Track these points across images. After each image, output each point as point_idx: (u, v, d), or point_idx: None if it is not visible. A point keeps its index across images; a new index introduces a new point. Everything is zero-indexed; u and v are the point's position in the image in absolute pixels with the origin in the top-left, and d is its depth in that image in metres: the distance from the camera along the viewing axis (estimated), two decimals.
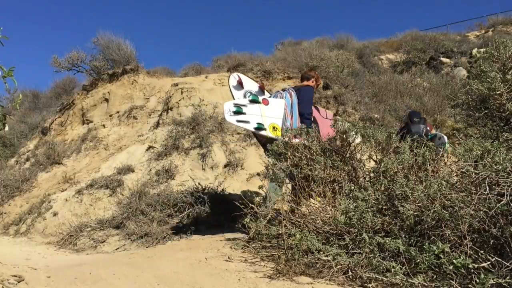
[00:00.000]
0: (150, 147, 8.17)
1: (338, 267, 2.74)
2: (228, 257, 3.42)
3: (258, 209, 3.70)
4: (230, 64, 11.74)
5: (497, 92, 4.81)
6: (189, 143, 7.93)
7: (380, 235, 2.86)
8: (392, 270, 2.46)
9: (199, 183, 6.28)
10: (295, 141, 3.96)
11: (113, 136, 9.83)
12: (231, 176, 7.10)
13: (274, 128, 4.30)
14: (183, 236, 5.06)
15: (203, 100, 9.05)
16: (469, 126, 6.83)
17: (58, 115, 12.09)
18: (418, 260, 2.49)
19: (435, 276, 2.42)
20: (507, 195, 2.43)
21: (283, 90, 4.86)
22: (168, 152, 7.81)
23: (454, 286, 2.26)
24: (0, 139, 11.60)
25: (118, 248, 5.21)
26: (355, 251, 2.84)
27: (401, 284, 2.39)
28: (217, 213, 5.51)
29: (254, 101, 4.46)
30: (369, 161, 3.87)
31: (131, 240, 5.25)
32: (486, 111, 5.33)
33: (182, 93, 9.25)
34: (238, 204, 3.83)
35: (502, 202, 2.43)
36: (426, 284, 2.33)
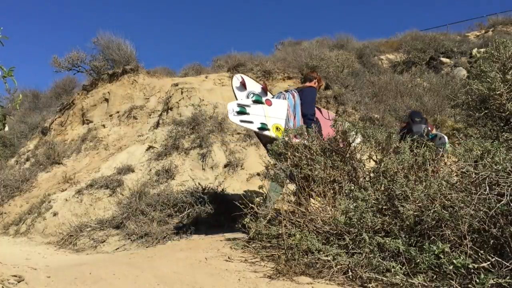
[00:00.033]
0: (150, 147, 8.17)
1: (338, 267, 2.74)
2: (228, 257, 3.42)
3: (258, 209, 3.71)
4: (230, 64, 11.74)
5: (497, 92, 4.81)
6: (189, 143, 7.93)
7: (380, 235, 2.86)
8: (392, 270, 2.46)
9: (199, 183, 6.28)
10: (295, 141, 3.97)
11: (113, 136, 9.83)
12: (231, 176, 7.10)
13: (277, 128, 4.34)
14: (183, 236, 5.06)
15: (203, 100, 9.05)
16: (469, 126, 6.83)
17: (58, 115, 12.09)
18: (418, 260, 2.49)
19: (435, 276, 2.42)
20: (507, 195, 2.43)
21: (286, 91, 4.91)
22: (168, 152, 7.81)
23: (454, 286, 2.26)
24: (0, 139, 11.60)
25: (118, 248, 5.22)
26: (355, 251, 2.85)
27: (401, 284, 2.39)
28: (217, 213, 5.51)
29: (257, 101, 4.50)
30: (369, 161, 3.87)
31: (131, 240, 5.25)
32: (486, 111, 5.33)
33: (182, 93, 9.25)
34: (238, 204, 3.84)
35: (502, 202, 2.43)
36: (426, 284, 2.33)
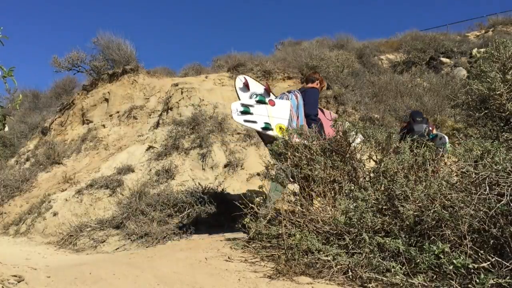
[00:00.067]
0: (150, 147, 8.17)
1: (338, 267, 2.74)
2: (228, 257, 3.42)
3: (258, 209, 3.71)
4: (230, 64, 11.73)
5: (497, 92, 4.81)
6: (189, 143, 7.93)
7: (380, 235, 2.86)
8: (392, 270, 2.46)
9: (199, 183, 6.28)
10: (297, 140, 3.98)
11: (113, 136, 9.83)
12: (231, 176, 7.10)
13: (280, 128, 4.37)
14: (183, 236, 5.06)
15: (203, 100, 9.05)
16: (469, 126, 6.83)
17: (58, 115, 12.09)
18: (418, 260, 2.49)
19: (435, 276, 2.42)
20: (507, 195, 2.43)
21: (289, 92, 4.94)
22: (168, 152, 7.81)
23: (454, 286, 2.26)
24: (0, 139, 11.60)
25: (118, 248, 5.22)
26: (355, 251, 2.85)
27: (401, 284, 2.39)
28: (217, 213, 5.51)
29: (260, 101, 4.54)
30: (369, 161, 3.87)
31: (131, 240, 5.25)
32: (486, 111, 5.33)
33: (182, 93, 9.25)
34: (238, 204, 3.84)
35: (502, 202, 2.43)
36: (426, 284, 2.33)
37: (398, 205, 2.92)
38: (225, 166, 7.37)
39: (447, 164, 3.53)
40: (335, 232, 3.11)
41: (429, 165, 3.29)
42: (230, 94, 9.70)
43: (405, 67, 14.21)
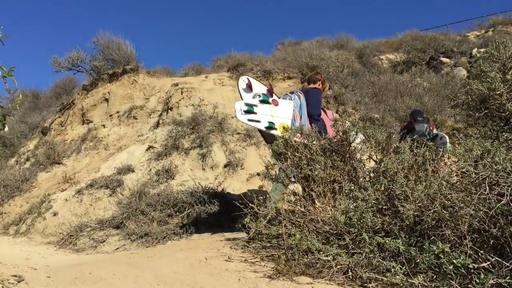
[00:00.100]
0: (150, 147, 8.17)
1: (338, 267, 2.74)
2: (228, 257, 3.42)
3: (258, 209, 3.71)
4: (230, 64, 11.73)
5: (497, 92, 4.81)
6: (189, 143, 7.93)
7: (380, 235, 2.86)
8: (392, 270, 2.46)
9: (199, 183, 6.28)
10: (300, 140, 4.00)
11: (113, 136, 9.83)
12: (231, 176, 7.10)
13: (284, 128, 4.41)
14: (183, 236, 5.06)
15: (203, 100, 9.05)
16: (469, 126, 6.83)
17: (58, 115, 12.09)
18: (418, 260, 2.49)
19: (435, 276, 2.42)
20: (507, 195, 2.43)
21: (291, 93, 5.00)
22: (168, 152, 7.81)
23: (454, 286, 2.26)
24: (0, 139, 11.60)
25: (118, 248, 5.22)
26: (355, 251, 2.84)
27: (401, 284, 2.39)
28: (217, 213, 5.51)
29: (264, 101, 4.59)
30: (369, 161, 3.87)
31: (131, 240, 5.25)
32: (486, 111, 5.33)
33: (182, 93, 9.25)
34: (238, 204, 3.84)
35: (502, 202, 2.43)
36: (426, 284, 2.33)
37: (398, 205, 2.92)
38: (225, 166, 7.37)
39: (447, 164, 3.53)
40: (335, 232, 3.11)
41: (429, 165, 3.29)
42: (230, 94, 9.70)
43: (405, 67, 14.20)
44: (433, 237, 2.65)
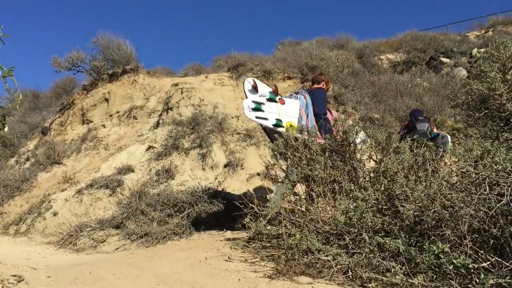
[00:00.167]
0: (150, 147, 8.17)
1: (338, 267, 2.74)
2: (228, 257, 3.42)
3: (258, 209, 3.71)
4: (230, 64, 11.72)
5: (497, 92, 4.80)
6: (189, 143, 7.93)
7: (380, 235, 2.86)
8: (392, 270, 2.46)
9: (199, 183, 6.28)
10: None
11: (113, 136, 9.83)
12: (231, 176, 7.10)
13: (291, 126, 4.45)
14: (183, 236, 5.06)
15: (203, 100, 9.05)
16: (469, 126, 6.83)
17: (58, 115, 12.09)
18: (418, 260, 2.49)
19: (435, 276, 2.42)
20: (507, 195, 2.43)
21: (296, 93, 5.09)
22: (168, 152, 7.81)
23: (454, 286, 2.26)
24: (0, 139, 11.60)
25: (118, 248, 5.22)
26: (355, 251, 2.84)
27: (401, 284, 2.39)
28: (217, 213, 5.51)
29: (271, 99, 4.66)
30: (369, 161, 3.87)
31: (131, 240, 5.25)
32: (486, 111, 5.33)
33: (182, 93, 9.25)
34: (238, 204, 3.84)
35: (502, 202, 2.43)
36: (426, 284, 2.33)
37: (398, 205, 2.92)
38: (225, 166, 7.37)
39: (447, 164, 3.53)
40: (335, 232, 3.11)
41: (429, 165, 3.29)
42: (230, 94, 9.71)
43: (405, 67, 14.21)
44: (433, 237, 2.66)
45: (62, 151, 9.83)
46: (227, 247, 3.79)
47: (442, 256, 2.40)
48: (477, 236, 2.53)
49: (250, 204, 3.71)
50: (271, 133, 4.79)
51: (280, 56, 13.15)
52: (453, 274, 2.32)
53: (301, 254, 2.91)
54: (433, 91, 10.32)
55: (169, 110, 9.11)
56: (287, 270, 2.81)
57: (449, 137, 5.23)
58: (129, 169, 7.56)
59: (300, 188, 4.03)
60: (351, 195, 3.40)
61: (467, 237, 2.46)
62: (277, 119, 4.50)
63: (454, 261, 2.33)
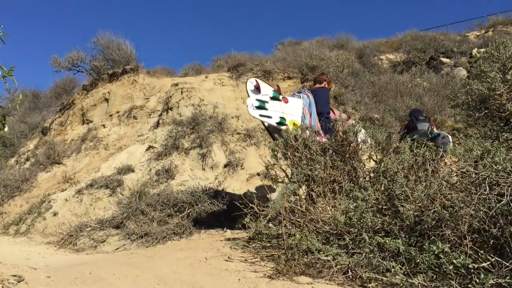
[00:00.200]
0: (150, 147, 8.17)
1: (338, 267, 2.74)
2: (228, 257, 3.42)
3: (258, 209, 3.71)
4: (230, 64, 11.72)
5: (497, 92, 4.81)
6: (189, 143, 7.93)
7: (380, 235, 2.86)
8: (392, 270, 2.46)
9: (199, 183, 6.28)
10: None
11: (113, 136, 9.83)
12: (231, 176, 7.10)
13: (294, 124, 4.48)
14: (183, 236, 5.06)
15: (203, 100, 9.05)
16: (469, 126, 6.84)
17: (58, 115, 12.08)
18: (418, 260, 2.49)
19: (435, 276, 2.42)
20: (507, 195, 2.43)
21: (299, 92, 5.16)
22: (168, 152, 7.81)
23: (454, 286, 2.26)
24: (0, 139, 11.60)
25: (118, 248, 5.21)
26: (355, 251, 2.85)
27: (401, 284, 2.39)
28: (217, 213, 5.51)
29: (275, 98, 4.72)
30: (369, 161, 3.87)
31: (131, 240, 5.25)
32: (486, 111, 5.33)
33: (182, 93, 9.25)
34: (238, 204, 3.84)
35: (502, 202, 2.43)
36: (426, 284, 2.33)
37: (398, 205, 2.92)
38: (225, 166, 7.37)
39: (447, 164, 3.53)
40: (335, 232, 3.11)
41: (429, 165, 3.29)
42: (230, 94, 9.70)
43: (405, 67, 14.20)
44: (433, 237, 2.66)
45: (62, 151, 9.82)
46: (227, 247, 3.79)
47: (442, 256, 2.40)
48: (477, 236, 2.53)
49: (250, 204, 3.71)
50: (273, 132, 4.81)
51: (280, 56, 13.14)
52: (453, 274, 2.32)
53: (301, 254, 2.91)
54: (433, 91, 10.32)
55: (169, 110, 9.11)
56: (287, 270, 2.81)
57: (450, 137, 5.23)
58: (129, 169, 7.55)
59: (300, 188, 4.03)
60: (351, 195, 3.40)
61: (467, 237, 2.46)
62: (280, 117, 4.54)
63: (454, 261, 2.33)
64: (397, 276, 2.42)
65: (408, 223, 2.83)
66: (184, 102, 9.04)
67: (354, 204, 3.19)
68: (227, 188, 6.42)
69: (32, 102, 15.32)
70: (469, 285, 2.23)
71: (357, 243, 2.91)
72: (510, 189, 2.45)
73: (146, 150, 8.17)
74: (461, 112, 7.99)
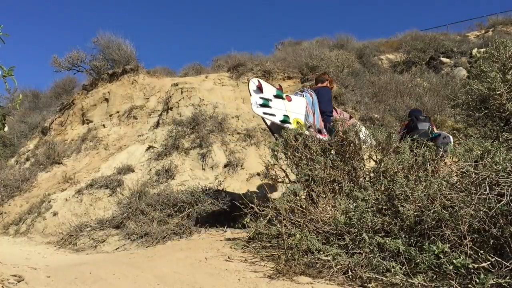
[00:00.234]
0: (150, 147, 8.17)
1: (338, 267, 2.74)
2: (228, 257, 3.42)
3: (258, 209, 3.71)
4: (230, 64, 11.72)
5: (497, 92, 4.81)
6: (189, 143, 7.93)
7: (380, 235, 2.86)
8: (392, 270, 2.46)
9: (199, 183, 6.28)
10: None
11: (113, 136, 9.83)
12: (231, 176, 7.10)
13: (297, 123, 4.50)
14: (183, 236, 5.06)
15: (203, 100, 9.05)
16: (469, 126, 6.84)
17: (58, 115, 12.08)
18: (418, 260, 2.49)
19: (435, 276, 2.42)
20: (507, 195, 2.43)
21: (302, 91, 5.19)
22: (168, 152, 7.81)
23: (454, 286, 2.26)
24: (0, 139, 11.60)
25: (118, 248, 5.21)
26: (355, 251, 2.85)
27: (401, 284, 2.39)
28: (217, 213, 5.51)
29: (278, 96, 4.73)
30: (369, 161, 3.87)
31: (131, 240, 5.25)
32: (486, 111, 5.33)
33: (182, 93, 9.25)
34: (238, 204, 3.84)
35: (502, 202, 2.43)
36: (426, 284, 2.33)
37: (398, 205, 2.92)
38: (225, 166, 7.37)
39: (447, 164, 3.53)
40: (335, 232, 3.11)
41: (429, 165, 3.29)
42: (230, 94, 9.70)
43: (405, 67, 14.20)
44: (433, 237, 2.66)
45: (62, 151, 9.82)
46: (227, 247, 3.79)
47: (442, 256, 2.40)
48: (477, 236, 2.53)
49: (250, 204, 3.71)
50: (276, 131, 4.81)
51: (280, 56, 13.14)
52: (453, 274, 2.32)
53: (301, 254, 2.91)
54: (433, 91, 10.32)
55: (169, 110, 9.11)
56: (287, 270, 2.81)
57: (451, 137, 5.23)
58: (129, 169, 7.55)
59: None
60: (351, 195, 3.40)
61: (467, 237, 2.46)
62: (284, 115, 4.56)
63: (454, 261, 2.33)
64: (397, 276, 2.42)
65: (408, 223, 2.83)
66: (184, 102, 9.04)
67: (354, 204, 3.20)
68: (227, 188, 6.42)
69: (32, 102, 15.32)
70: (469, 285, 2.23)
71: (357, 243, 2.91)
72: (510, 189, 2.45)
73: (146, 150, 8.17)
74: (461, 112, 8.00)
